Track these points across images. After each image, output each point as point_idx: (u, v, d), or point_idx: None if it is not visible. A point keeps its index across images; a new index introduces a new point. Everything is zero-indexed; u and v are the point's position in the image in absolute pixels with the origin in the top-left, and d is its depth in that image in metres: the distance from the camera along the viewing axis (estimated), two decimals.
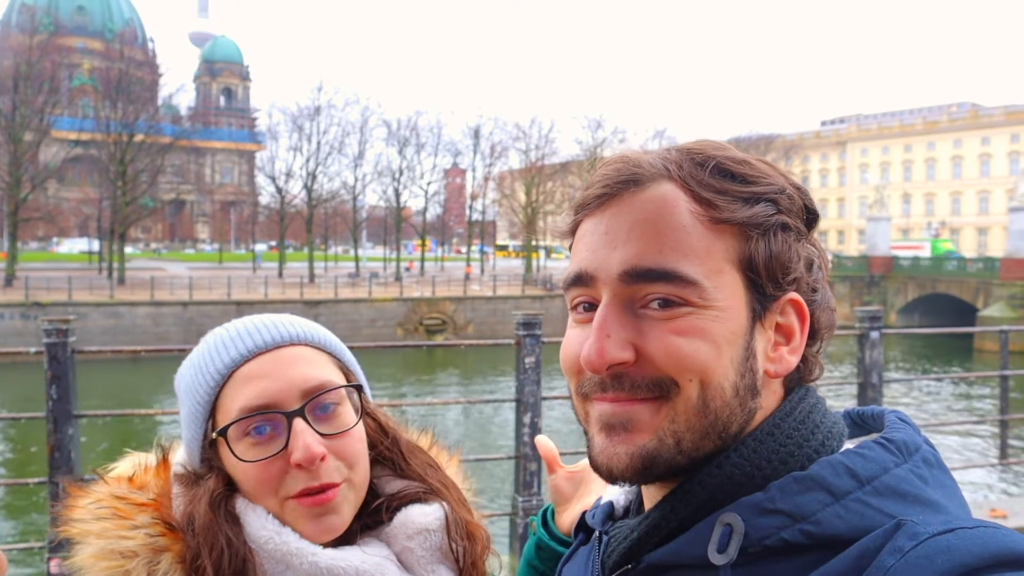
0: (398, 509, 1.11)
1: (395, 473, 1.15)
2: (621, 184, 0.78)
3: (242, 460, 1.00)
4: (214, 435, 1.03)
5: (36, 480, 5.17)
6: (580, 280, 0.79)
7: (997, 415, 6.96)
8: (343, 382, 1.09)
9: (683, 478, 0.76)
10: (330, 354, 1.11)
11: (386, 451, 1.15)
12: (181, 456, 1.11)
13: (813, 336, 0.81)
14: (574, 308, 0.81)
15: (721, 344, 0.74)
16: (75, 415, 4.58)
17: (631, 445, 0.74)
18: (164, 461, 1.09)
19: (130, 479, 1.05)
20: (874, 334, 5.98)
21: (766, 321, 0.78)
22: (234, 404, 1.02)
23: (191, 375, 1.08)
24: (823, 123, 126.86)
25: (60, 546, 4.44)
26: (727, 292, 0.75)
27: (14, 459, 19.49)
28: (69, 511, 1.00)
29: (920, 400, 25.36)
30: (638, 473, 0.75)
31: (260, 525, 1.00)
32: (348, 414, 1.07)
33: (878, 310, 6.22)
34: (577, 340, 0.79)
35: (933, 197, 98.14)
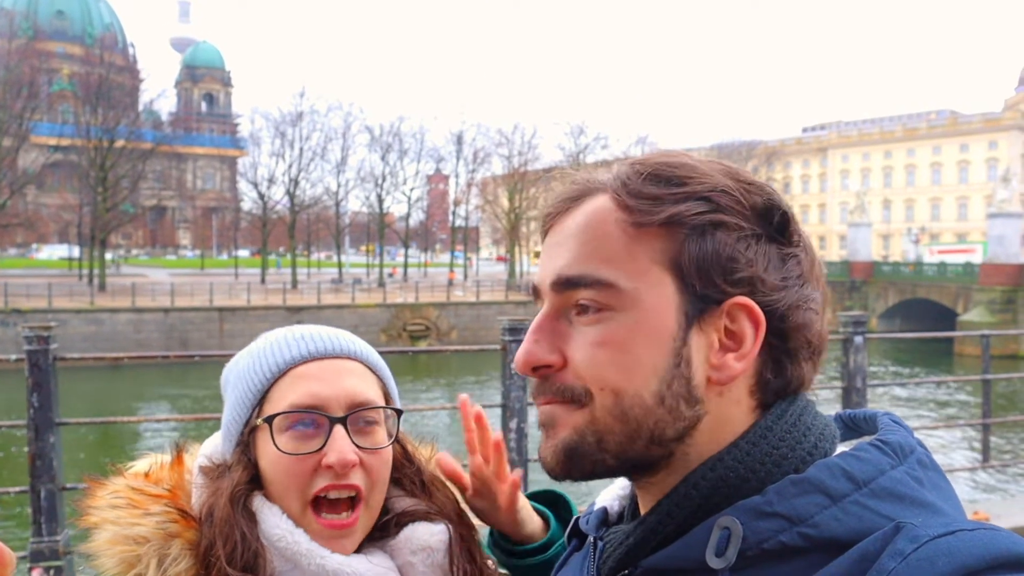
0: (405, 525, 1.15)
1: (409, 496, 1.19)
2: (563, 201, 0.82)
3: (280, 450, 1.06)
4: (259, 421, 1.09)
5: (17, 489, 5.11)
6: (533, 293, 0.84)
7: (979, 418, 7.02)
8: (383, 404, 1.15)
9: (674, 483, 0.76)
10: (378, 377, 1.17)
11: (406, 479, 1.20)
12: (207, 449, 1.16)
13: (805, 345, 0.78)
14: None
15: (640, 353, 0.74)
16: (57, 423, 4.53)
17: (556, 440, 0.78)
18: (179, 458, 1.14)
19: (146, 475, 1.11)
20: (858, 339, 6.01)
21: (706, 325, 0.75)
22: (285, 398, 1.08)
23: (247, 363, 1.14)
24: (804, 130, 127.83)
25: (41, 555, 4.39)
26: (653, 293, 0.75)
27: None
28: (88, 501, 1.06)
29: (903, 404, 25.55)
30: (563, 466, 0.78)
31: (274, 523, 1.05)
32: (382, 435, 1.13)
33: (862, 315, 6.26)
34: None
35: (913, 203, 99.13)
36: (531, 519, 1.27)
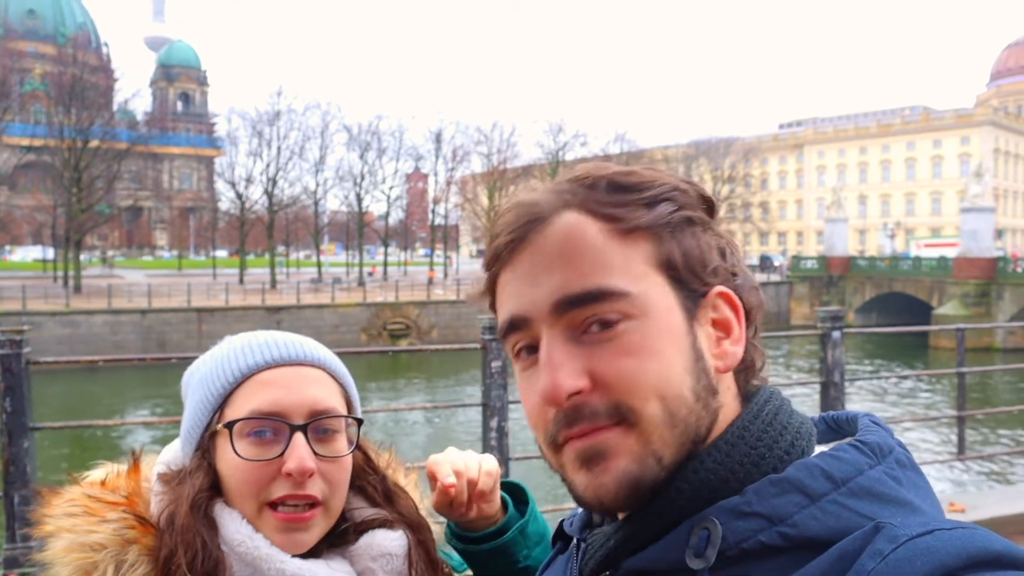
0: (364, 531, 1.15)
1: (370, 505, 1.19)
2: (525, 225, 0.78)
3: (239, 456, 1.05)
4: (219, 426, 1.08)
5: None
6: (514, 325, 0.79)
7: (954, 411, 7.10)
8: (345, 412, 1.15)
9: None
10: (340, 384, 1.17)
11: (369, 487, 1.20)
12: (167, 457, 1.15)
13: (747, 320, 0.81)
14: (517, 355, 0.81)
15: (670, 353, 0.74)
16: (31, 428, 4.47)
17: (615, 472, 0.74)
18: (135, 466, 1.12)
19: (102, 483, 1.09)
20: (836, 334, 6.05)
21: (701, 318, 0.78)
22: (247, 404, 1.08)
23: (210, 368, 1.13)
24: (780, 126, 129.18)
25: (15, 562, 4.33)
26: (657, 294, 0.75)
27: None
28: (43, 510, 1.05)
29: (880, 397, 25.81)
30: (628, 500, 0.74)
31: (235, 528, 1.05)
32: (342, 443, 1.12)
33: (839, 310, 6.30)
34: (533, 386, 0.78)
35: (888, 198, 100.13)
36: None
